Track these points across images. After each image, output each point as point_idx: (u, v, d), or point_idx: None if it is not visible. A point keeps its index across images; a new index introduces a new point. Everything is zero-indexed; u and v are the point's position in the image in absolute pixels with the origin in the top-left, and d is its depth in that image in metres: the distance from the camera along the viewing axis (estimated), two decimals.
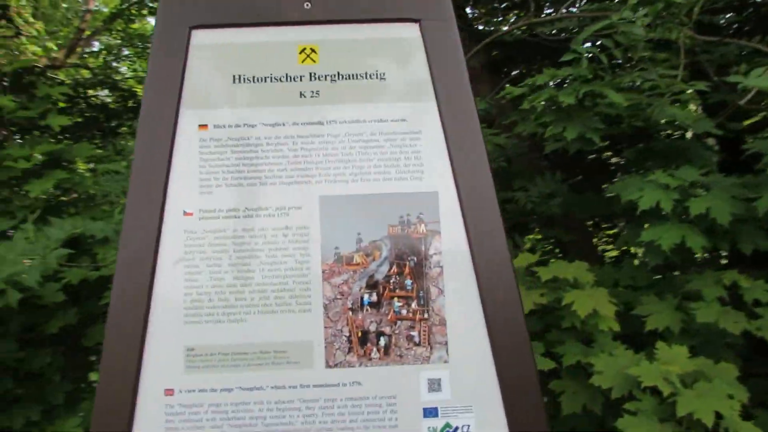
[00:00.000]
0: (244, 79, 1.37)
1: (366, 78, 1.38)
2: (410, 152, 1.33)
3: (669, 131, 3.69)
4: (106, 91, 6.19)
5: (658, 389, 1.97)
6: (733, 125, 3.22)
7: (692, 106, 4.01)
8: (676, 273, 3.07)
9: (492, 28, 5.59)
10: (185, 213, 1.29)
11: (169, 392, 1.22)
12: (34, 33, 8.27)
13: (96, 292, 2.83)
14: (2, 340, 2.70)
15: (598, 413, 2.29)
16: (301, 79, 1.37)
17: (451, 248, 1.28)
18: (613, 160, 4.58)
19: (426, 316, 1.26)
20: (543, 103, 2.87)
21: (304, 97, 1.36)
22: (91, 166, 3.90)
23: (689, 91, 3.05)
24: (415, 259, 1.28)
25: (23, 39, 7.62)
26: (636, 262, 3.64)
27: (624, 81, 3.16)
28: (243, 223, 1.29)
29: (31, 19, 8.28)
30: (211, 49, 1.38)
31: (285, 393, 1.23)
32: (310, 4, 1.39)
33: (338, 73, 1.38)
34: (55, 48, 8.44)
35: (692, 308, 2.38)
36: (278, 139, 1.33)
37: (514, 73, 5.45)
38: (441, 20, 1.41)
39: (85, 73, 7.19)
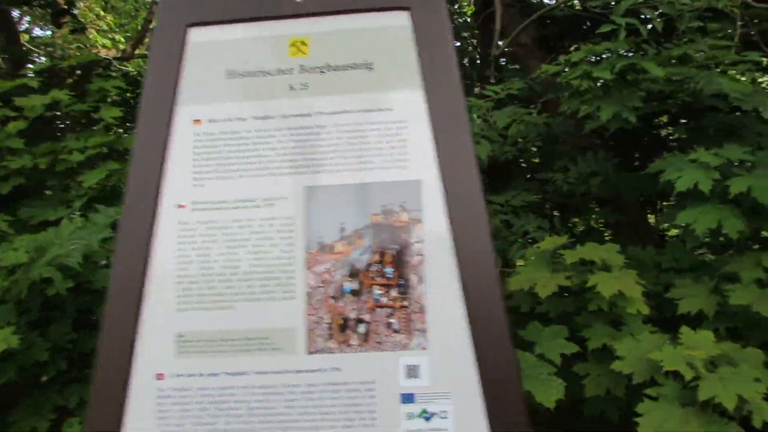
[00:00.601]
0: (236, 74, 1.41)
1: (354, 68, 1.39)
2: (396, 141, 1.34)
3: (734, 105, 3.47)
4: None
5: (682, 374, 1.92)
6: None
7: (760, 78, 3.76)
8: (714, 256, 2.94)
9: (551, 1, 5.42)
10: (179, 205, 1.35)
11: (160, 376, 1.29)
12: (104, 26, 8.67)
13: None
14: (58, 323, 2.90)
15: (621, 397, 2.25)
16: (291, 72, 1.40)
17: (432, 237, 1.29)
18: (676, 136, 4.38)
19: (406, 303, 1.28)
20: (578, 79, 2.77)
21: (294, 89, 1.39)
22: None
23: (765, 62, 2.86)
24: (397, 247, 1.30)
25: (94, 33, 8.00)
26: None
27: (673, 53, 3.01)
28: (232, 214, 1.34)
29: (102, 13, 8.68)
30: (206, 46, 1.43)
31: (268, 378, 1.28)
32: None
33: (327, 65, 1.40)
34: (123, 40, 8.81)
35: (727, 290, 2.29)
36: (267, 132, 1.37)
37: (572, 48, 5.27)
38: (431, 8, 1.41)
39: None
